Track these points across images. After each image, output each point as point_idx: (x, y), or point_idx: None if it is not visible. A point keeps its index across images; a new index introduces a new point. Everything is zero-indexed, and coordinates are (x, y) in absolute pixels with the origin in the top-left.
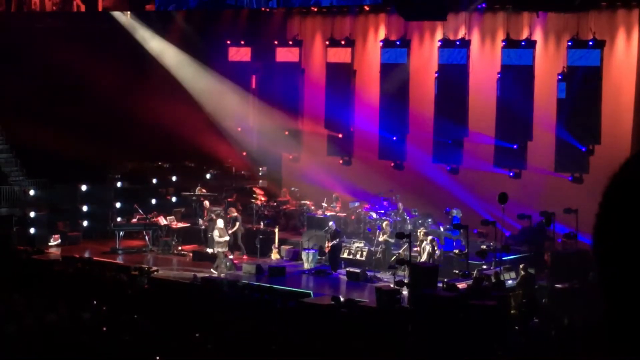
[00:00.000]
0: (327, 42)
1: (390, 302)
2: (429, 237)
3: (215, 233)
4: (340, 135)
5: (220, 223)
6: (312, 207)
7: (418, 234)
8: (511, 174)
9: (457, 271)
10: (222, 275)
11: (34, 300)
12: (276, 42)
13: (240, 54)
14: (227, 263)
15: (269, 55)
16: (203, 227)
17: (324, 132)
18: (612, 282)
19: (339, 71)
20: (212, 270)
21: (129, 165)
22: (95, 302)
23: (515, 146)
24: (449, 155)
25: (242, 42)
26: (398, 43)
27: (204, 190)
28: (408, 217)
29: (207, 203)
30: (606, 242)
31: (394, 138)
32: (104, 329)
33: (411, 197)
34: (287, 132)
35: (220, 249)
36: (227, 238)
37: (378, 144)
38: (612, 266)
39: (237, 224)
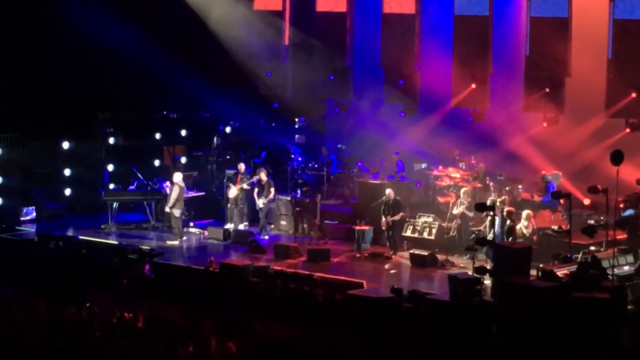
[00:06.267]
0: None
1: (468, 294)
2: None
3: (175, 191)
4: (401, 82)
5: (177, 177)
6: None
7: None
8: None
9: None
10: (183, 238)
11: (4, 291)
12: None
13: None
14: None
15: None
16: (233, 195)
17: (380, 71)
18: None
19: None
20: (170, 243)
21: (125, 114)
22: (81, 294)
23: (634, 94)
24: (545, 102)
25: None
26: None
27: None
28: (491, 184)
29: (242, 166)
30: None
31: (473, 86)
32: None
33: (495, 157)
34: (332, 75)
35: (177, 211)
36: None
37: (451, 88)
38: None
39: (272, 190)
